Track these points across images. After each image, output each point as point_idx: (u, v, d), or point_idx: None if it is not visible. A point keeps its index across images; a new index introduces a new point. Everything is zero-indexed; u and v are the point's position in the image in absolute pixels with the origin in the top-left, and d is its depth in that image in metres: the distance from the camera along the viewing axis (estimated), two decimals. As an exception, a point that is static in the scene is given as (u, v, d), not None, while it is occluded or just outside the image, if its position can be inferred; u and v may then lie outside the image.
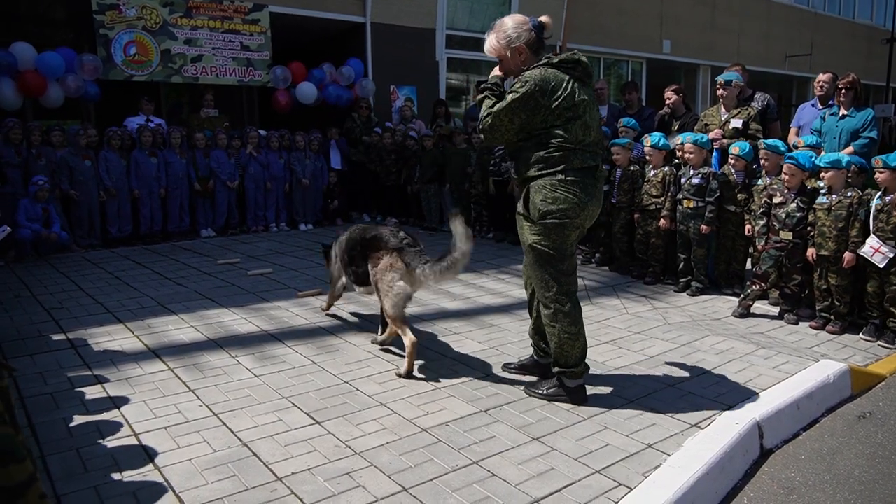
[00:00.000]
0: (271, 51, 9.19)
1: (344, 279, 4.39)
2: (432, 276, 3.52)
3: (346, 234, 4.19)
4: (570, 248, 3.13)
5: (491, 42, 3.11)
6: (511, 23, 3.06)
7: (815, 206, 4.54)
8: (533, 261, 3.15)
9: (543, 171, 3.00)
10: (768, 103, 6.25)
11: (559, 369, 3.22)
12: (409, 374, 3.55)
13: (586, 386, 3.28)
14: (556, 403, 3.21)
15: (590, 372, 3.31)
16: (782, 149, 5.01)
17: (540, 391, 3.30)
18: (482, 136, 3.14)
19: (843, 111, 5.60)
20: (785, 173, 4.69)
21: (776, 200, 4.77)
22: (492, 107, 3.05)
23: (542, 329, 3.35)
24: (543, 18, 3.07)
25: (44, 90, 7.49)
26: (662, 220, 5.53)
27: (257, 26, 9.05)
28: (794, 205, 4.64)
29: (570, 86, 2.97)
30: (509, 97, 2.99)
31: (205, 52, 8.66)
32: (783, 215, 4.69)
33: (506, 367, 3.69)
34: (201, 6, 8.58)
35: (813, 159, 4.76)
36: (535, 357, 3.58)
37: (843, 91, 5.59)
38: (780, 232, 4.70)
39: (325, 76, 9.49)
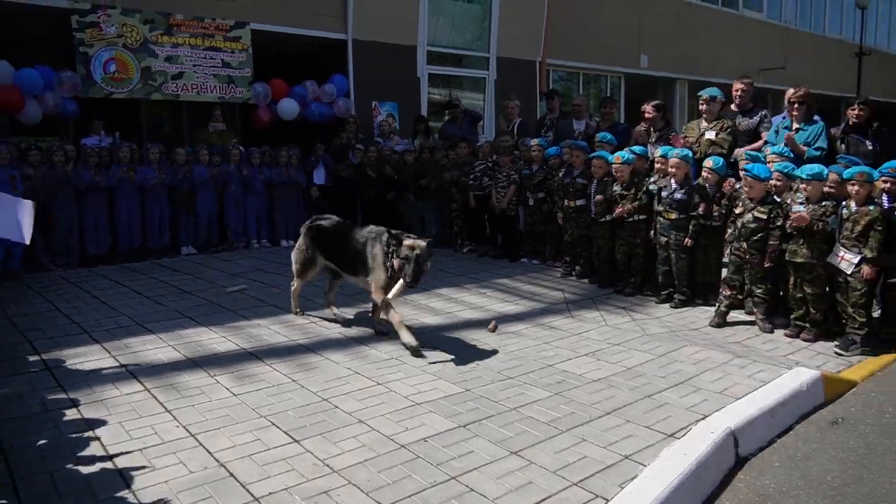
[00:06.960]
0: (252, 67, 9.21)
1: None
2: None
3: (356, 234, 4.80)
4: None
5: None
6: None
7: (791, 214, 4.60)
8: None
9: None
10: (761, 118, 6.26)
11: None
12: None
13: None
14: (535, 417, 3.22)
15: (567, 385, 3.32)
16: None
17: None
18: None
19: (795, 125, 5.54)
20: (744, 186, 4.80)
21: (737, 211, 4.88)
22: None
23: None
24: None
25: (21, 106, 7.44)
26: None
27: (239, 43, 9.05)
28: (749, 215, 4.74)
29: None
30: None
31: (185, 69, 8.65)
32: (739, 225, 4.80)
33: None
34: (182, 24, 8.57)
35: (788, 169, 4.83)
36: None
37: (797, 105, 5.52)
38: (738, 241, 4.82)
39: (308, 93, 9.50)
